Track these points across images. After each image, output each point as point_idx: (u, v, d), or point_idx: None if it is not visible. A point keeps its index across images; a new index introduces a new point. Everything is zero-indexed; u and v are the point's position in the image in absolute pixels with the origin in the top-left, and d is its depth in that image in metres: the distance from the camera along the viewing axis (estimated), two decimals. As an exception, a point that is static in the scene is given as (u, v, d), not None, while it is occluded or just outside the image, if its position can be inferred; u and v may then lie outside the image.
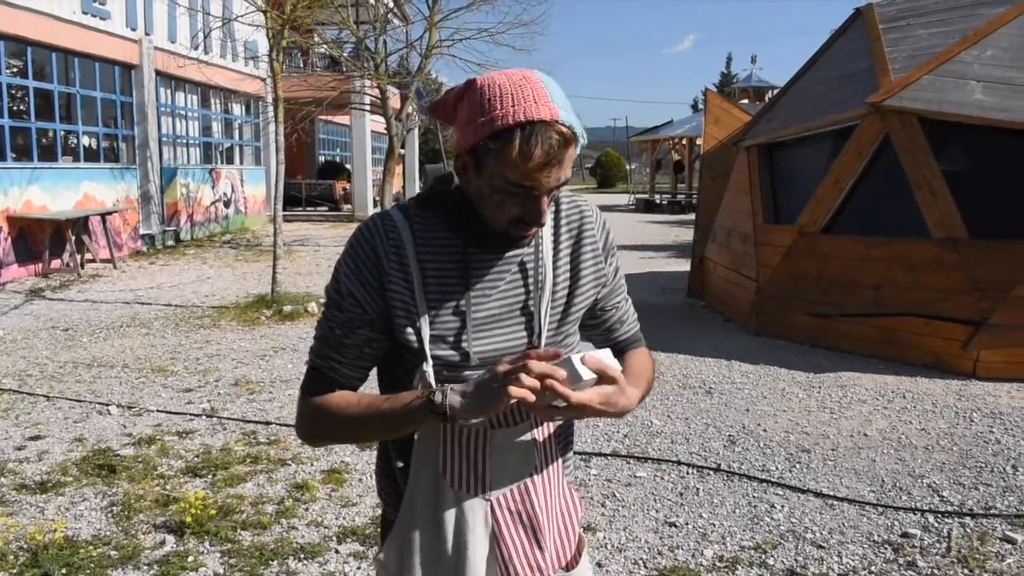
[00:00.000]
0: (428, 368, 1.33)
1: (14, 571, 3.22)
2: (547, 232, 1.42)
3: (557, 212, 1.45)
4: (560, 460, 1.46)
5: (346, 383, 1.39)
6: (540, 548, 1.39)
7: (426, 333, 1.34)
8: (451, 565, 1.35)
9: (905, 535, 3.61)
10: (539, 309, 1.39)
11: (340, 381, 1.38)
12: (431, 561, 1.37)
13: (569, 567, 1.47)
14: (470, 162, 1.28)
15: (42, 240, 11.48)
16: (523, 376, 1.18)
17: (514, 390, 1.18)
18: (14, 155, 11.48)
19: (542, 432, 1.41)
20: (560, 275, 1.42)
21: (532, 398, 1.19)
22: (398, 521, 1.40)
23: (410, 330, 1.34)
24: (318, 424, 1.39)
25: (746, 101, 26.61)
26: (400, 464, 1.42)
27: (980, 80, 6.66)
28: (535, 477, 1.40)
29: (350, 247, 1.37)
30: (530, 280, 1.39)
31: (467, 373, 1.34)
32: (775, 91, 22.45)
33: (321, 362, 1.39)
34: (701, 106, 33.63)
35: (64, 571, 3.20)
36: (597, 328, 1.55)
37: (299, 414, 1.42)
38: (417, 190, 24.57)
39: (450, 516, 1.35)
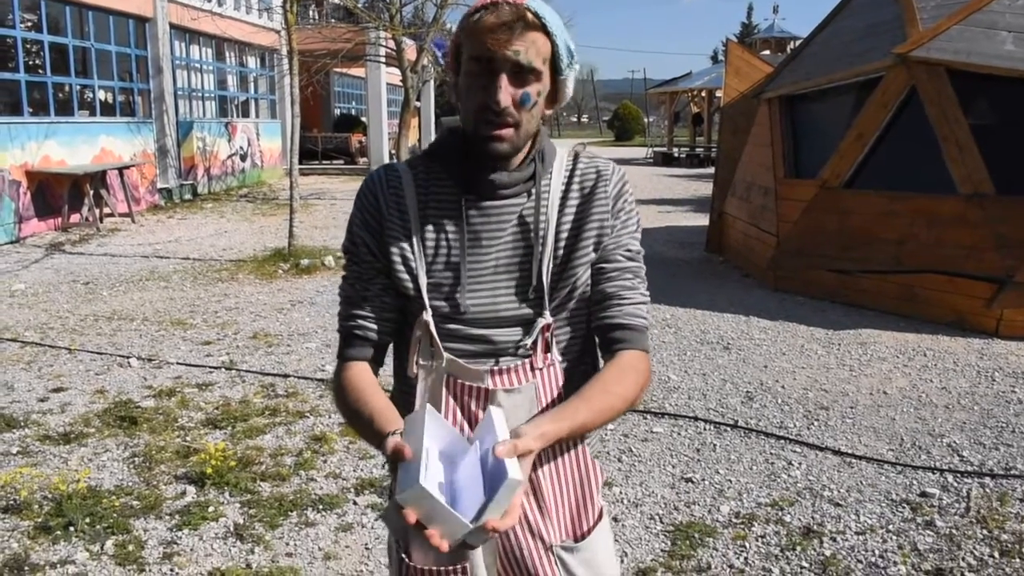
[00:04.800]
0: (428, 318, 1.34)
1: (39, 520, 3.28)
2: (555, 186, 1.40)
3: (573, 169, 1.42)
4: None
5: (375, 339, 1.40)
6: (542, 513, 1.36)
7: (423, 282, 1.35)
8: None
9: (924, 494, 3.59)
10: (539, 262, 1.36)
11: (369, 338, 1.40)
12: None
13: (583, 538, 1.41)
14: (454, 65, 1.34)
15: (60, 194, 11.51)
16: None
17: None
18: (31, 110, 11.46)
19: (547, 393, 1.36)
20: (563, 231, 1.38)
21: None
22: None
23: (407, 278, 1.36)
24: (337, 396, 1.43)
25: (768, 52, 26.10)
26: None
27: (1011, 31, 6.46)
28: None
29: (356, 198, 1.42)
30: (530, 234, 1.37)
31: (459, 327, 1.35)
32: (798, 42, 21.99)
33: (348, 323, 1.41)
34: (721, 57, 33.01)
35: (87, 520, 3.25)
36: (587, 303, 1.41)
37: (333, 380, 1.47)
38: (433, 144, 24.40)
39: None
